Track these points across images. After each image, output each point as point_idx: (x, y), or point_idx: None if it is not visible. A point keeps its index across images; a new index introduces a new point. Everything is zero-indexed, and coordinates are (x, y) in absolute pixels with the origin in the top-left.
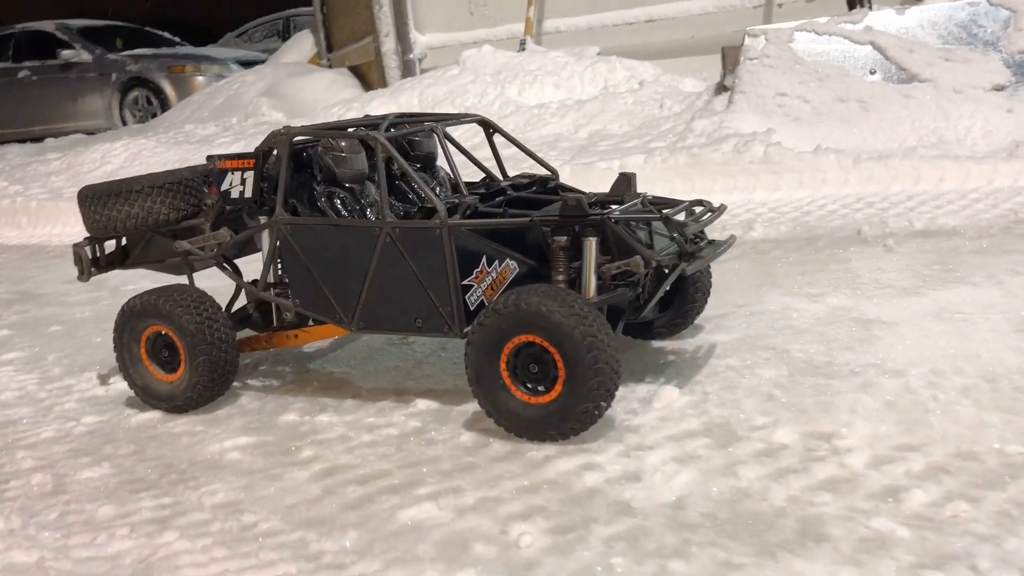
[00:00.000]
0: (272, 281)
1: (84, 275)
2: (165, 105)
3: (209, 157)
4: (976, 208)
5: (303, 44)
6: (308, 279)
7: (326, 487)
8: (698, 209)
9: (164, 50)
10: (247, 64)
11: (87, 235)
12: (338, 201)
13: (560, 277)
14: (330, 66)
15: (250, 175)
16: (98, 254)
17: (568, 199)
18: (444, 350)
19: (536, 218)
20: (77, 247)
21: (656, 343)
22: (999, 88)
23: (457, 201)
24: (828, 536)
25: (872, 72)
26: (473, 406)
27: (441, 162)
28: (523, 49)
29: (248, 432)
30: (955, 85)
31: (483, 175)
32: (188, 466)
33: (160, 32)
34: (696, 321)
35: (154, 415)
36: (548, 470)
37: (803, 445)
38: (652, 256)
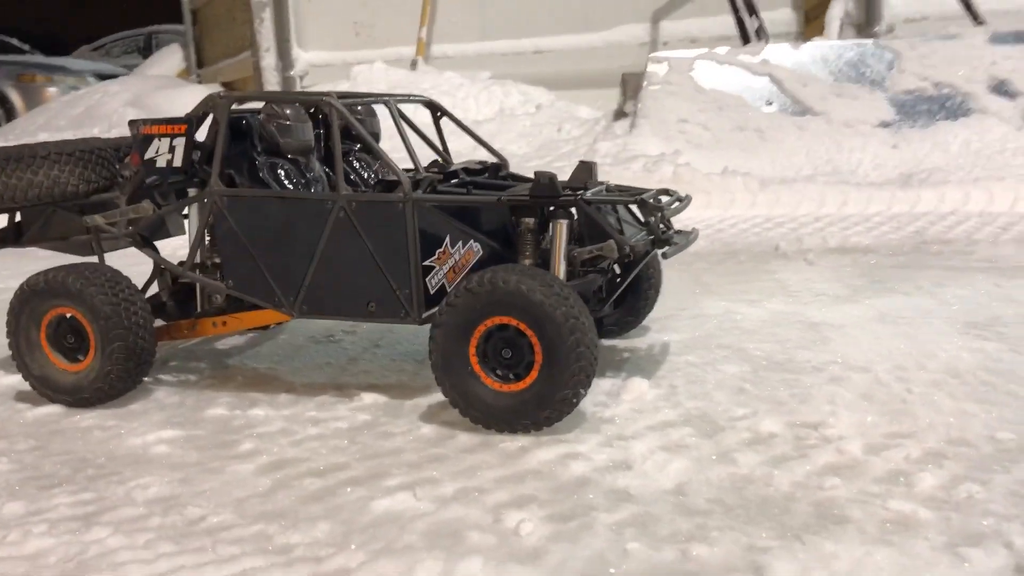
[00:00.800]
0: (198, 261)
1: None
2: (11, 115)
3: (132, 122)
4: (882, 230)
5: (169, 59)
6: (244, 258)
7: (277, 480)
8: (664, 198)
9: (12, 57)
10: (105, 78)
11: None
12: (281, 173)
13: (527, 261)
14: (199, 81)
15: (180, 142)
16: None
17: (541, 177)
18: (378, 347)
19: (505, 197)
20: None
21: (606, 341)
22: (885, 125)
23: (418, 176)
24: (849, 518)
25: (769, 103)
26: (427, 400)
27: (390, 141)
28: (414, 68)
29: (172, 426)
30: (846, 119)
31: (434, 157)
32: (106, 460)
33: (8, 39)
34: (643, 323)
35: (54, 409)
36: (528, 460)
37: (792, 434)
38: (625, 241)
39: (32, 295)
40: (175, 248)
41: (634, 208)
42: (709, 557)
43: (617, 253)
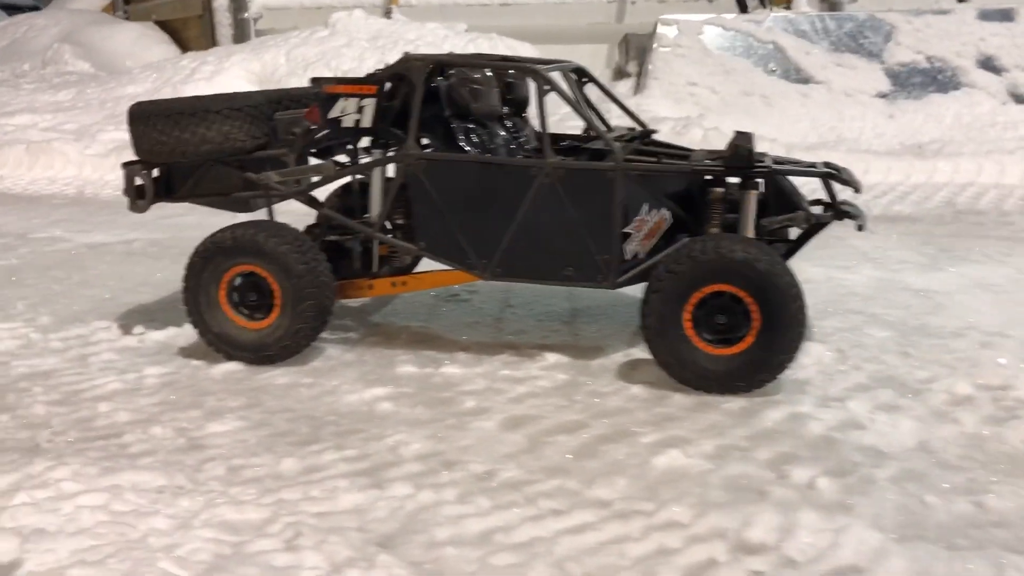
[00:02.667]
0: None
1: (144, 202)
2: None
3: (315, 79)
4: (913, 199)
5: None
6: (439, 220)
7: (530, 437)
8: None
9: None
10: (14, 8)
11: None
12: (475, 138)
13: (715, 230)
14: (127, 18)
15: (370, 103)
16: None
17: (741, 148)
18: (511, 307)
19: (699, 166)
20: (132, 169)
21: None
22: (882, 95)
23: (616, 144)
24: None
25: (772, 70)
26: (611, 360)
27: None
28: (389, 17)
29: (374, 383)
30: (846, 89)
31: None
32: (338, 418)
33: None
34: None
35: (235, 367)
36: (760, 420)
37: (987, 396)
38: (813, 213)
39: (217, 252)
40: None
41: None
42: (1004, 508)
43: (806, 224)
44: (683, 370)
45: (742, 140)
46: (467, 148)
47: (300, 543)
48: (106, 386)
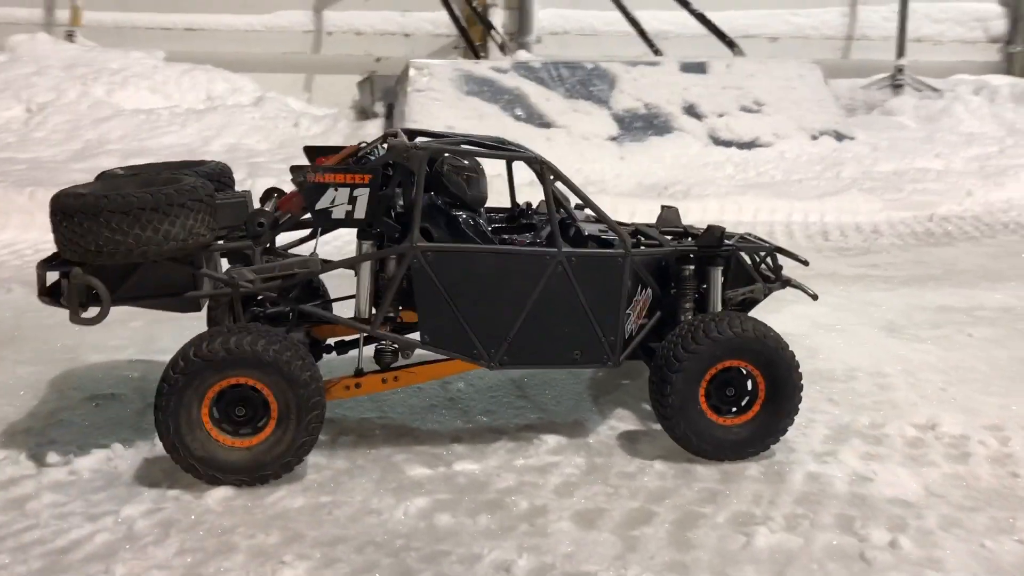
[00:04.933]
0: (364, 317)
1: (102, 310)
2: None
3: (297, 168)
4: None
5: None
6: (444, 312)
7: (616, 533)
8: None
9: None
10: None
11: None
12: (472, 227)
13: (689, 304)
14: None
15: (363, 193)
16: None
17: (715, 230)
18: (449, 383)
19: (680, 249)
20: (78, 277)
21: None
22: (612, 139)
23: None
24: None
25: (518, 116)
26: (601, 437)
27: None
28: (72, 40)
29: (402, 493)
30: (583, 133)
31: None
32: (407, 540)
33: None
34: None
35: (225, 491)
36: (789, 483)
37: (931, 435)
38: (767, 284)
39: (205, 367)
40: None
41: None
42: None
43: (763, 294)
44: (701, 443)
45: (716, 226)
46: (475, 238)
47: None
48: (92, 539)
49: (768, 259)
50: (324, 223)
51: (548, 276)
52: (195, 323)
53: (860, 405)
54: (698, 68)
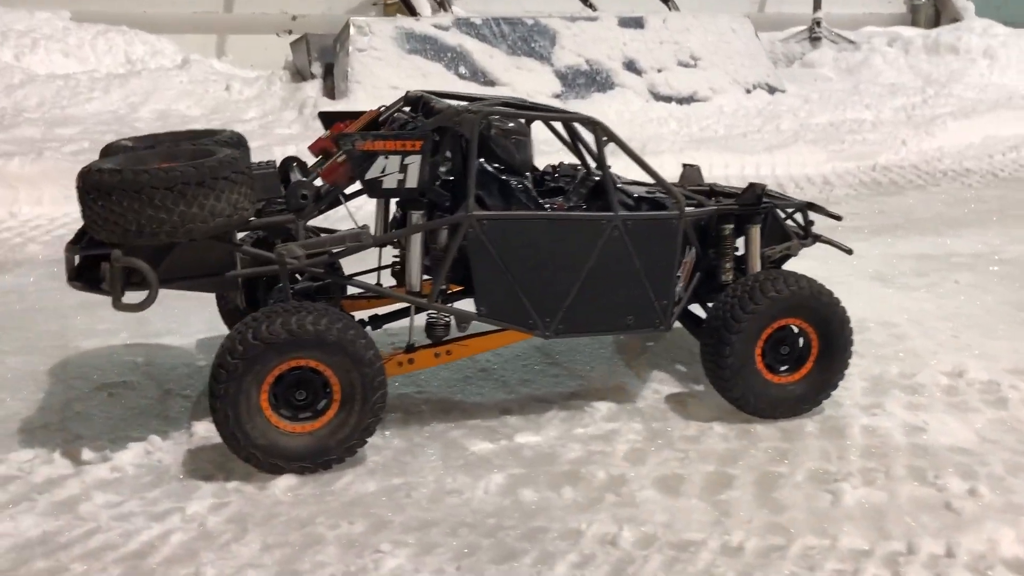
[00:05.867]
0: (416, 290)
1: (151, 293)
2: None
3: (344, 135)
4: None
5: None
6: (500, 282)
7: (703, 499)
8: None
9: None
10: None
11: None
12: (524, 192)
13: (729, 264)
14: None
15: (415, 160)
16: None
17: (756, 188)
18: (494, 355)
19: (724, 207)
20: (122, 260)
21: None
22: (556, 96)
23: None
24: None
25: (462, 74)
26: (646, 402)
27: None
28: None
29: (473, 470)
30: (528, 91)
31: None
32: (498, 520)
33: None
34: None
35: (288, 480)
36: (849, 437)
37: (961, 382)
38: (802, 241)
39: (267, 350)
40: None
41: None
42: None
43: (797, 251)
44: (758, 402)
45: (757, 184)
46: (529, 204)
47: None
48: (167, 540)
49: (798, 215)
50: (375, 193)
51: (604, 241)
52: (183, 303)
53: (884, 356)
54: (635, 23)
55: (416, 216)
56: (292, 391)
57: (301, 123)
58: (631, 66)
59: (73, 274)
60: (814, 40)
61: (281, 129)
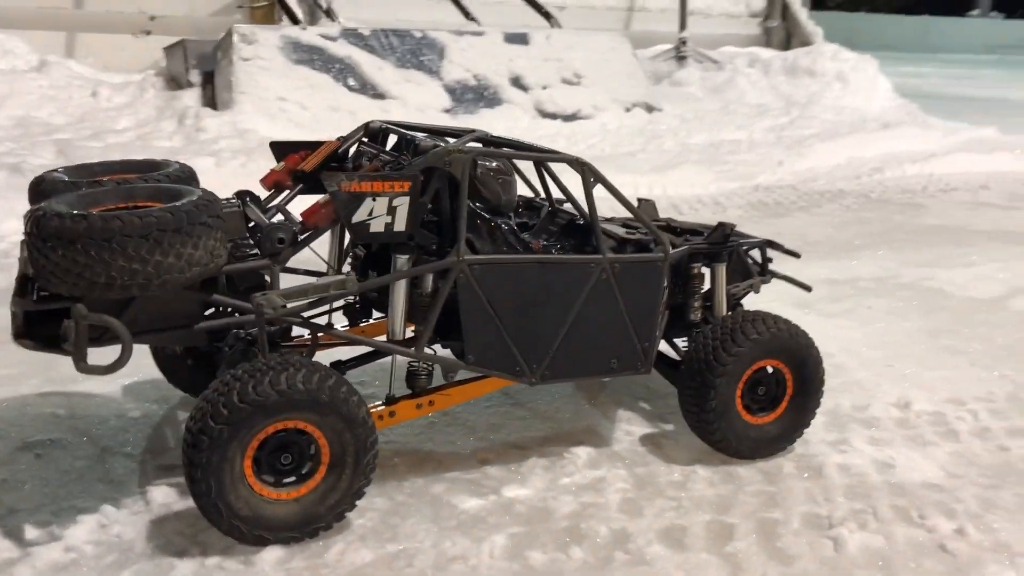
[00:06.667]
0: (399, 338)
1: (118, 362)
2: None
3: (328, 176)
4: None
5: None
6: (489, 328)
7: (711, 551)
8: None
9: None
10: None
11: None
12: (512, 234)
13: (698, 302)
14: None
15: (403, 202)
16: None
17: (726, 227)
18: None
19: (694, 247)
20: (88, 318)
21: None
22: (447, 111)
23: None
24: None
25: (351, 86)
26: (626, 443)
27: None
28: None
29: (493, 528)
30: (419, 104)
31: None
32: None
33: None
34: None
35: (276, 553)
36: (828, 479)
37: (911, 414)
38: (763, 278)
39: (253, 413)
40: None
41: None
42: None
43: (757, 288)
44: (739, 444)
45: (726, 224)
46: (517, 247)
47: None
48: None
49: (755, 252)
50: (360, 237)
51: (592, 284)
52: None
53: (832, 388)
54: (520, 39)
55: (402, 260)
56: (276, 455)
57: (183, 135)
58: (517, 82)
59: (21, 331)
60: (680, 59)
61: (161, 141)
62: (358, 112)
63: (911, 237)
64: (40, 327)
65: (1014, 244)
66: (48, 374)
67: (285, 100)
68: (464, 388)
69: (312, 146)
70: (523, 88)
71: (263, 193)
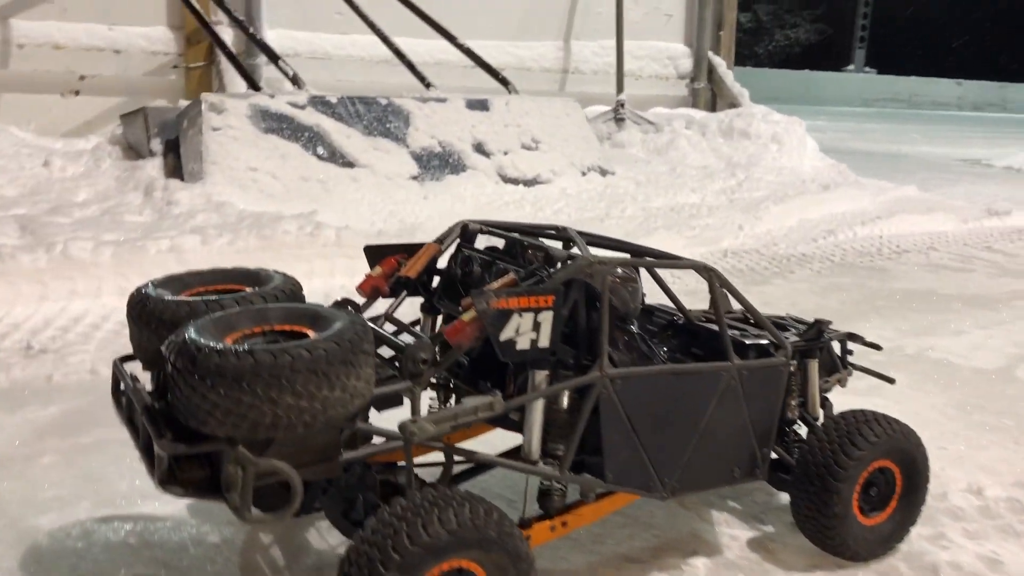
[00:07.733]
0: (534, 458)
1: (287, 510)
2: None
3: (477, 294)
4: None
5: None
6: (627, 444)
7: None
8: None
9: None
10: None
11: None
12: (648, 344)
13: (795, 400)
14: None
15: (547, 317)
16: None
17: (820, 323)
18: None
19: (797, 345)
20: (256, 464)
21: None
22: (414, 178)
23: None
24: None
25: (320, 155)
26: (721, 557)
27: None
28: None
29: None
30: (387, 173)
31: None
32: None
33: None
34: None
35: None
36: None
37: None
38: (849, 371)
39: (424, 555)
40: None
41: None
42: None
43: (846, 383)
44: (857, 547)
45: (821, 321)
46: (653, 358)
47: None
48: None
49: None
50: (509, 356)
51: (721, 392)
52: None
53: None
54: (481, 105)
55: (540, 376)
56: None
57: (153, 209)
58: (480, 148)
59: (167, 477)
60: (619, 121)
61: (131, 216)
62: (328, 182)
63: (891, 304)
64: (184, 471)
65: (986, 309)
66: (99, 494)
67: (256, 170)
68: (596, 507)
69: (407, 249)
70: (485, 154)
71: (357, 297)
